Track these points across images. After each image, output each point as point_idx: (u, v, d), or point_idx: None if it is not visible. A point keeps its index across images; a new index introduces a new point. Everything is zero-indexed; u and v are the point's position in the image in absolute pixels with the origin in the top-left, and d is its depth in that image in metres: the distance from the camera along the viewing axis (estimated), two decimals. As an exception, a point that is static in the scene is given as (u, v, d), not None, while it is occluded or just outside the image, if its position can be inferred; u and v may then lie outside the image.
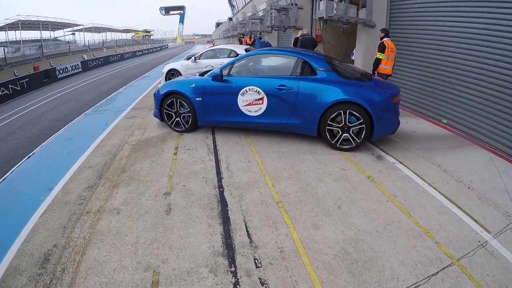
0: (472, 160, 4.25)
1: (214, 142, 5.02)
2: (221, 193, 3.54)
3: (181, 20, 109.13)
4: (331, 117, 4.44)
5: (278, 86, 4.67)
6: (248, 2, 27.86)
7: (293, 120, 4.73)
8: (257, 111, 4.86)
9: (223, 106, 5.04)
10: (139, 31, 72.24)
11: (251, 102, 4.84)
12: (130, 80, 14.11)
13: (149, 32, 78.56)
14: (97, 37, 46.48)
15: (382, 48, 6.12)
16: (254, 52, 5.46)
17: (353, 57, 9.98)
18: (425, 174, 3.85)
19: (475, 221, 2.98)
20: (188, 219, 3.09)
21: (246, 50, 9.55)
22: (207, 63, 9.36)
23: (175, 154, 4.58)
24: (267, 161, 4.30)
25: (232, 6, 42.17)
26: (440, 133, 5.34)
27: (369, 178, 3.77)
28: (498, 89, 4.66)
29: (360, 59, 8.76)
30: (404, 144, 4.81)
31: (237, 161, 4.31)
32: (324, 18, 8.09)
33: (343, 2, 8.07)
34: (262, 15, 20.11)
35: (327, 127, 4.53)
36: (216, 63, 9.24)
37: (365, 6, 8.22)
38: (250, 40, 16.20)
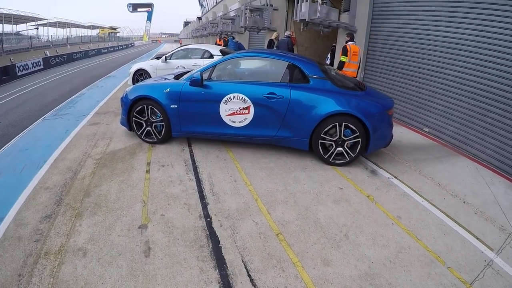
0: (460, 171, 4.20)
1: (192, 156, 4.33)
2: (209, 224, 2.89)
3: (149, 18, 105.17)
4: (325, 130, 4.00)
5: (267, 94, 4.10)
6: (220, 2, 27.04)
7: (283, 132, 4.19)
8: (242, 121, 4.25)
9: (202, 115, 4.36)
10: (105, 27, 68.60)
11: (235, 111, 4.21)
12: (94, 79, 12.87)
13: (115, 29, 74.90)
14: (62, 33, 43.21)
15: (345, 52, 6.32)
16: (239, 54, 4.81)
17: (327, 61, 9.62)
18: (421, 190, 3.65)
19: (477, 238, 2.90)
20: (173, 262, 2.43)
21: (221, 51, 8.88)
22: (178, 64, 8.57)
23: (147, 172, 3.83)
24: (256, 180, 3.72)
25: (202, 5, 40.94)
26: (424, 142, 5.22)
27: (369, 197, 3.41)
28: (480, 99, 4.64)
29: None
30: (393, 156, 4.56)
31: (222, 181, 3.67)
32: (306, 20, 7.67)
33: (324, 5, 7.66)
34: (233, 15, 19.48)
35: (320, 141, 4.08)
36: (189, 64, 8.49)
37: (348, 11, 7.91)
38: (220, 41, 15.48)
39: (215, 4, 30.62)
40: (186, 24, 68.94)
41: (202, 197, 3.32)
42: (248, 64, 4.92)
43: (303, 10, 7.74)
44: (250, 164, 4.14)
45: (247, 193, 3.42)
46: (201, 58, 8.70)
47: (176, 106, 4.35)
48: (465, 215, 3.23)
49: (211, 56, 8.66)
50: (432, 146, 5.03)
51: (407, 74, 6.21)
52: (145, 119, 4.58)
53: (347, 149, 4.08)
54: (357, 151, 4.05)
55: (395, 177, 3.91)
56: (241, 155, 4.39)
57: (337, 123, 3.95)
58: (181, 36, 69.88)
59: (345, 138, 4.01)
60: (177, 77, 4.93)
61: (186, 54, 8.92)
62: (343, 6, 8.20)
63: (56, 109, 7.43)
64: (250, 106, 4.15)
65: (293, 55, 4.93)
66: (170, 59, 8.73)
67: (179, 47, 13.40)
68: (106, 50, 43.35)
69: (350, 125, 3.93)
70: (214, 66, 4.43)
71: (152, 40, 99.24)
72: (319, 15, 7.48)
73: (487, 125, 4.55)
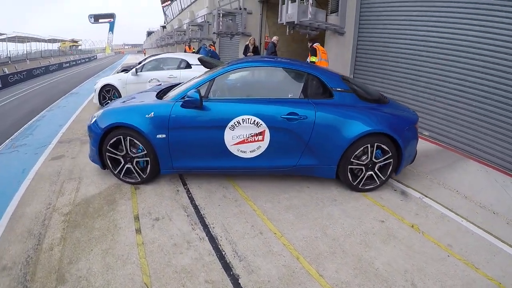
0: (475, 177, 3.93)
1: (192, 200, 3.27)
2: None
3: (111, 29, 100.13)
4: (356, 153, 3.27)
5: (287, 114, 3.18)
6: (185, 8, 25.73)
7: (306, 160, 3.32)
8: (254, 150, 3.28)
9: (201, 146, 3.33)
10: (66, 40, 64.41)
11: (245, 138, 3.23)
12: (56, 98, 11.22)
13: (76, 42, 70.46)
14: (21, 48, 39.70)
15: (314, 52, 6.58)
16: (243, 64, 3.59)
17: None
18: (454, 206, 3.30)
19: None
20: None
21: (200, 60, 7.82)
22: (151, 76, 7.38)
23: (138, 231, 2.74)
24: (286, 227, 2.82)
25: (165, 14, 39.18)
26: (429, 148, 4.84)
27: (413, 227, 2.91)
28: (482, 100, 4.46)
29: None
30: (411, 169, 4.04)
31: (244, 236, 2.69)
32: (295, 23, 6.85)
33: (311, 6, 6.83)
34: (201, 21, 18.37)
35: (349, 166, 3.32)
36: (163, 76, 7.35)
37: (336, 12, 7.19)
38: (189, 48, 14.36)
39: (180, 11, 29.27)
40: (149, 33, 66.49)
41: (226, 267, 2.32)
42: (256, 76, 3.82)
43: (290, 12, 6.93)
44: (269, 204, 3.19)
45: (282, 250, 2.51)
46: (178, 68, 7.58)
47: (164, 135, 3.26)
48: (501, 228, 2.98)
49: (189, 66, 7.57)
50: (439, 152, 4.69)
51: (401, 76, 5.90)
52: (122, 153, 3.44)
53: (377, 172, 3.38)
54: (388, 173, 3.41)
55: (426, 196, 3.47)
56: (254, 191, 3.42)
57: (368, 145, 3.24)
58: (145, 46, 67.28)
59: (376, 160, 3.33)
60: (159, 94, 3.87)
61: (159, 64, 7.74)
62: (330, 7, 7.48)
63: (12, 139, 6.01)
64: (265, 131, 3.19)
65: (305, 64, 4.01)
66: (141, 71, 7.50)
67: (149, 56, 12.14)
68: (68, 64, 40.40)
69: (383, 145, 3.26)
70: (212, 79, 3.36)
71: (115, 52, 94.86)
72: (310, 16, 6.71)
73: (489, 125, 4.38)
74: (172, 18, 33.48)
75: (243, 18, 12.93)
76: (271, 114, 3.18)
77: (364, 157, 3.31)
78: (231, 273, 2.26)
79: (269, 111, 3.19)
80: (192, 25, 17.46)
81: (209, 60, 8.44)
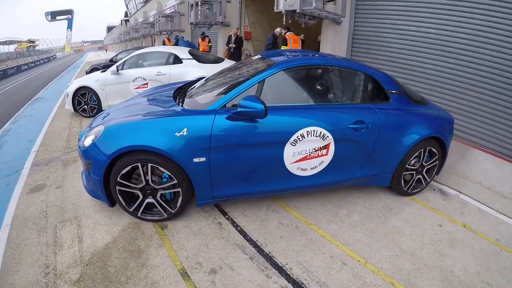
0: (487, 168, 3.96)
1: (245, 235, 2.50)
2: None
3: (69, 26, 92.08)
4: (411, 159, 3.02)
5: (354, 123, 2.66)
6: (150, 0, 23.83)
7: (366, 170, 2.92)
8: (316, 167, 2.69)
9: (253, 168, 2.54)
10: (23, 41, 58.73)
11: (307, 154, 2.60)
12: (19, 106, 9.51)
13: (34, 42, 64.48)
14: None
15: (285, 42, 6.90)
16: (297, 62, 2.80)
17: None
18: (484, 199, 3.37)
19: None
20: None
21: (190, 53, 6.75)
22: (136, 75, 6.23)
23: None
24: (363, 249, 2.47)
25: (127, 6, 36.40)
26: None
27: (465, 227, 2.90)
28: (480, 90, 4.58)
29: None
30: None
31: (330, 272, 2.20)
32: (297, 11, 6.14)
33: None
34: (171, 12, 16.93)
35: (403, 173, 3.07)
36: (150, 74, 6.25)
37: (333, 0, 6.63)
38: (169, 41, 13.05)
39: (144, 2, 27.20)
40: (109, 29, 62.29)
41: None
42: (307, 77, 3.00)
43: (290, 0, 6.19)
44: (333, 225, 2.71)
45: (375, 279, 2.17)
46: (166, 64, 6.48)
47: (203, 158, 2.38)
48: None
49: (179, 61, 6.49)
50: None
51: (398, 65, 5.87)
52: (141, 185, 2.49)
53: (424, 175, 3.24)
54: (433, 174, 3.31)
55: (460, 192, 3.51)
56: (310, 212, 2.88)
57: (422, 150, 3.03)
58: (106, 42, 63.23)
59: (425, 164, 3.18)
60: (178, 96, 3.03)
61: (143, 60, 6.57)
62: None
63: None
64: (330, 143, 2.63)
65: (358, 62, 3.21)
66: (122, 68, 6.30)
67: (124, 51, 10.76)
68: (27, 67, 36.60)
69: (433, 148, 3.10)
70: (262, 80, 2.52)
71: (75, 50, 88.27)
72: (315, 5, 6.03)
73: (488, 114, 4.52)
74: (136, 10, 31.12)
75: (223, 6, 11.82)
76: (338, 124, 2.62)
77: (415, 162, 3.08)
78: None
79: (336, 121, 2.62)
80: (162, 16, 15.95)
81: (201, 53, 7.38)
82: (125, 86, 6.20)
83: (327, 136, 2.57)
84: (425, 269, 2.30)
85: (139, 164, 2.38)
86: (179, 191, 2.50)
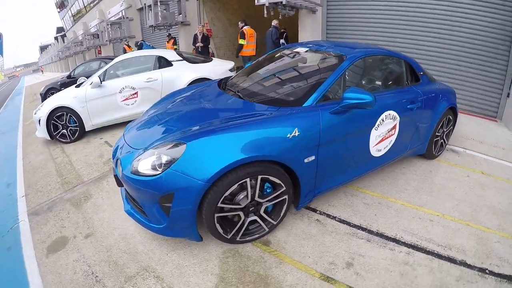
0: (470, 125, 4.82)
1: (349, 223, 2.52)
2: None
3: (0, 52, 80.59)
4: (438, 127, 3.47)
5: (410, 104, 2.96)
6: (90, 10, 21.53)
7: (414, 142, 3.26)
8: (386, 147, 2.85)
9: (347, 157, 2.56)
10: None
11: (384, 136, 2.77)
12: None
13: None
14: None
15: (243, 35, 7.04)
16: (368, 51, 2.96)
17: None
18: (483, 151, 4.07)
19: None
20: None
21: (178, 54, 5.87)
22: (122, 84, 5.19)
23: None
24: (434, 205, 2.81)
25: (63, 21, 32.45)
26: None
27: (483, 173, 3.48)
28: (450, 63, 5.88)
29: None
30: None
31: (442, 232, 2.45)
32: (283, 3, 6.18)
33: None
34: (117, 19, 15.37)
35: (435, 139, 3.51)
36: (139, 81, 5.28)
37: None
38: (130, 48, 11.73)
39: (76, 13, 24.65)
40: (43, 48, 56.04)
41: (466, 265, 2.06)
42: (371, 66, 3.15)
43: None
44: (402, 193, 2.97)
45: (457, 225, 2.55)
46: (155, 68, 5.52)
47: (313, 157, 2.20)
48: None
49: (169, 64, 5.57)
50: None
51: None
52: (245, 204, 2.06)
53: (444, 139, 3.73)
54: (449, 137, 3.90)
55: (465, 148, 4.11)
56: (379, 188, 3.08)
57: (445, 118, 3.52)
58: (42, 63, 56.93)
59: (445, 130, 3.67)
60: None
61: (128, 67, 5.54)
62: None
63: None
64: (396, 124, 2.84)
65: (393, 51, 3.41)
66: (104, 79, 5.21)
67: (102, 59, 9.33)
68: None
69: (450, 116, 3.63)
70: (343, 73, 2.51)
71: (8, 77, 77.42)
72: None
73: (458, 81, 5.64)
74: (72, 23, 27.99)
75: (182, 5, 10.82)
76: (402, 106, 2.86)
77: (439, 129, 3.49)
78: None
79: (400, 103, 2.86)
80: (110, 24, 14.33)
81: (188, 54, 6.48)
82: (110, 99, 5.15)
83: (396, 117, 2.78)
84: (479, 209, 2.78)
85: (247, 180, 1.96)
86: (284, 199, 2.22)
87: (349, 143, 2.46)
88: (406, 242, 2.30)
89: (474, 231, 2.45)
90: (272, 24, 7.69)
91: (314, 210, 2.66)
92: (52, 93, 8.60)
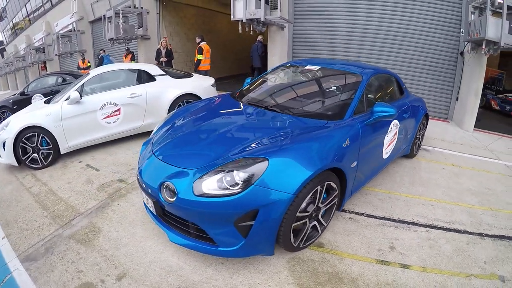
0: (433, 128, 5.58)
1: (373, 216, 2.96)
2: None
3: None
4: (419, 131, 4.28)
5: (405, 113, 3.71)
6: (34, 22, 19.32)
7: (404, 145, 3.81)
8: (391, 149, 3.33)
9: (372, 160, 3.00)
10: None
11: (391, 141, 3.25)
12: None
13: None
14: None
15: (200, 51, 7.27)
16: (375, 71, 3.41)
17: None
18: (446, 147, 5.16)
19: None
20: None
21: (159, 68, 5.46)
22: (104, 100, 4.58)
23: None
24: (429, 194, 3.48)
25: (3, 33, 28.23)
26: None
27: (453, 165, 4.38)
28: (411, 71, 7.13)
29: (278, 63, 7.88)
30: None
31: (435, 212, 3.13)
32: (261, 19, 6.46)
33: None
34: (69, 31, 14.07)
35: (417, 141, 4.35)
36: (122, 97, 4.77)
37: (276, 8, 6.84)
38: (84, 62, 10.71)
39: (13, 27, 22.06)
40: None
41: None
42: (378, 82, 3.67)
43: (252, 8, 6.35)
44: (402, 187, 3.57)
45: (457, 208, 3.24)
46: (138, 83, 5.04)
47: (356, 162, 2.52)
48: (472, 149, 5.23)
49: (152, 78, 5.13)
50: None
51: (335, 56, 7.46)
52: (312, 210, 2.15)
53: (420, 141, 4.48)
54: (422, 139, 4.70)
55: (434, 147, 5.04)
56: (384, 186, 3.59)
57: (422, 123, 4.29)
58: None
59: (421, 132, 4.44)
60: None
61: (107, 81, 4.94)
62: (271, 4, 6.98)
63: None
64: (397, 130, 3.35)
65: (382, 68, 4.11)
66: (83, 94, 4.54)
67: (37, 80, 8.25)
68: None
69: (424, 121, 4.48)
70: (364, 90, 2.90)
71: None
72: (280, 14, 6.61)
73: (421, 89, 6.77)
74: (13, 37, 24.68)
75: (144, 18, 10.24)
76: (401, 115, 3.39)
77: (418, 132, 4.16)
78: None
79: (400, 113, 3.37)
80: (61, 37, 12.98)
81: (170, 68, 6.05)
82: (90, 117, 4.54)
83: (398, 125, 3.24)
84: (461, 192, 3.55)
85: (318, 187, 2.09)
86: (335, 202, 2.39)
87: (373, 148, 2.83)
88: (422, 223, 2.83)
89: (463, 208, 3.16)
90: (258, 39, 8.23)
91: (344, 211, 2.96)
92: (3, 112, 7.43)
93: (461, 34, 6.63)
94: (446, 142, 5.18)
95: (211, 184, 1.84)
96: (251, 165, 1.86)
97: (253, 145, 2.10)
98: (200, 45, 7.31)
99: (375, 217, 2.86)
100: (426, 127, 4.49)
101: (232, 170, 1.85)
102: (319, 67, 3.33)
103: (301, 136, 2.22)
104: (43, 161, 4.33)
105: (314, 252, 2.34)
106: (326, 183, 2.14)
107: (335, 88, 2.99)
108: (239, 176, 1.82)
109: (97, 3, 12.54)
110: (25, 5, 19.53)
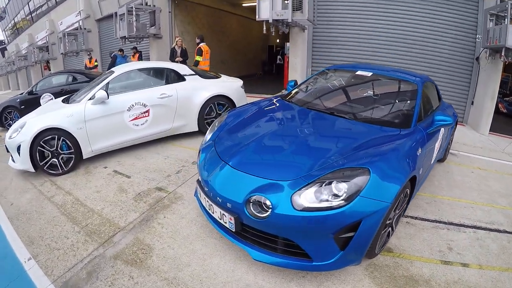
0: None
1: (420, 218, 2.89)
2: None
3: None
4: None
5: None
6: (37, 20, 18.72)
7: (442, 151, 3.92)
8: (436, 156, 3.45)
9: (425, 166, 2.95)
10: None
11: (437, 146, 3.28)
12: None
13: None
14: None
15: (200, 52, 6.98)
16: (424, 78, 3.47)
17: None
18: (469, 150, 5.07)
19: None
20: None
21: (189, 67, 5.04)
22: (132, 100, 4.12)
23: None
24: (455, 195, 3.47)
25: (4, 32, 27.33)
26: None
27: (479, 168, 4.42)
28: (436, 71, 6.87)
29: (299, 65, 7.66)
30: None
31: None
32: (289, 21, 6.28)
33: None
34: (72, 29, 13.57)
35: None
36: (152, 97, 4.32)
37: (300, 9, 6.49)
38: (91, 61, 10.22)
39: (14, 24, 21.45)
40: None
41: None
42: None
43: (279, 9, 6.17)
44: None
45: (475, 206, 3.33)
46: (167, 83, 4.60)
47: (422, 168, 2.58)
48: (491, 152, 5.15)
49: (182, 78, 4.70)
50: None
51: (353, 60, 7.38)
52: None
53: (450, 145, 4.48)
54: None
55: (458, 151, 4.96)
56: (435, 191, 3.66)
57: (454, 128, 4.38)
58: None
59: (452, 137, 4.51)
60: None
61: (135, 81, 4.50)
62: (294, 5, 6.62)
63: None
64: (440, 136, 3.33)
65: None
66: (110, 93, 4.07)
67: (45, 79, 7.76)
68: None
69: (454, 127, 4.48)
70: (421, 96, 2.91)
71: None
72: (308, 15, 6.32)
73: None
74: (14, 36, 23.90)
75: (157, 16, 9.80)
76: None
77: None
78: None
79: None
80: (69, 35, 12.45)
81: (198, 69, 5.61)
82: (117, 119, 4.09)
83: (442, 132, 3.21)
84: (492, 194, 3.57)
85: (402, 194, 2.11)
86: (404, 208, 2.44)
87: (429, 155, 2.82)
88: (468, 225, 2.89)
89: (498, 210, 3.20)
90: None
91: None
92: (10, 113, 6.90)
93: (477, 40, 6.56)
94: (467, 146, 5.21)
95: (310, 197, 1.75)
96: (353, 176, 1.81)
97: (340, 154, 2.07)
98: (199, 46, 6.98)
99: (428, 220, 2.92)
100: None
101: (331, 182, 1.78)
102: (371, 73, 3.26)
103: (388, 145, 2.21)
104: (63, 166, 3.85)
105: (385, 258, 2.35)
106: (406, 189, 2.20)
107: (395, 95, 3.03)
108: (341, 187, 1.76)
109: (105, 1, 12.07)
110: (27, 3, 18.91)
